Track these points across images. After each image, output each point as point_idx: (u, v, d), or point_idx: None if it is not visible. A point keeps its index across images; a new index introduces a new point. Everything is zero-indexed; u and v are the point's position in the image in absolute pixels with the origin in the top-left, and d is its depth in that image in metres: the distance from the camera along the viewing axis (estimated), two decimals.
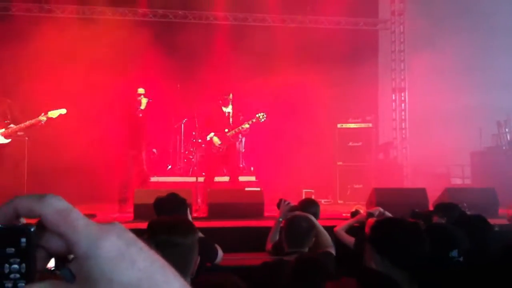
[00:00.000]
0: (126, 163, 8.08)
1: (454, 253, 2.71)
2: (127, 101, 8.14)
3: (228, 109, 8.15)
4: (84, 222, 0.52)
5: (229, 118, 8.13)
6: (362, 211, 5.12)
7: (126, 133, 8.06)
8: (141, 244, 0.52)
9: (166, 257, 0.53)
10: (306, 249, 3.42)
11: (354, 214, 5.00)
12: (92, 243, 0.50)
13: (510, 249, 2.40)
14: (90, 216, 6.35)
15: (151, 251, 0.52)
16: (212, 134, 8.00)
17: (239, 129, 8.03)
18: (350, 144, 9.91)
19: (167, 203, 3.60)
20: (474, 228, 3.17)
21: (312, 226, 3.58)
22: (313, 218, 3.79)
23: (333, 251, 3.70)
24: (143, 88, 8.04)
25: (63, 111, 7.19)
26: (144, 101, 7.90)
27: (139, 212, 6.11)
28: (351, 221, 4.76)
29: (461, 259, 2.72)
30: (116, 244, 0.50)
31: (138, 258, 0.50)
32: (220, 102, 8.12)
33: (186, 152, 9.60)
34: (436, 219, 4.03)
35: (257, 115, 7.95)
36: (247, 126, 7.99)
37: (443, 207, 4.29)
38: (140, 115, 7.92)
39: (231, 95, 8.15)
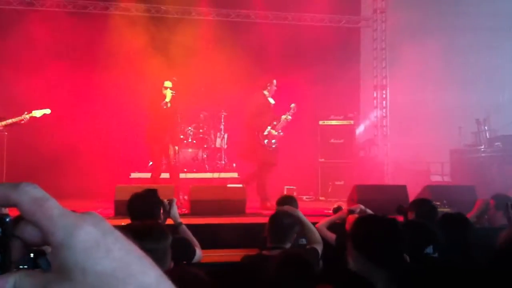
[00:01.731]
0: (154, 157, 8.00)
1: (429, 249, 2.74)
2: (153, 94, 7.99)
3: (272, 100, 8.05)
4: (60, 211, 0.51)
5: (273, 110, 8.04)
6: (344, 207, 5.15)
7: (152, 127, 7.93)
8: (117, 233, 0.51)
9: None
10: (288, 245, 3.43)
11: (336, 210, 5.02)
12: (67, 232, 0.49)
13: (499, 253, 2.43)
14: None
15: (127, 241, 0.51)
16: (269, 128, 7.91)
17: (285, 120, 7.96)
18: (332, 141, 9.96)
19: (142, 200, 3.59)
20: (454, 226, 3.20)
21: (296, 223, 3.58)
22: (301, 214, 3.80)
23: (319, 247, 3.71)
24: (170, 81, 7.89)
25: (47, 111, 7.10)
26: (169, 93, 7.75)
27: (120, 208, 6.06)
28: (332, 217, 4.78)
29: (436, 255, 2.74)
30: (92, 233, 0.49)
31: (113, 248, 0.49)
32: (267, 93, 7.98)
33: None
34: (410, 215, 4.09)
35: (291, 106, 7.95)
36: (289, 117, 7.95)
37: (413, 203, 4.35)
38: (166, 106, 7.76)
39: (275, 82, 8.01)
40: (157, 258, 2.10)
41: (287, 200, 4.68)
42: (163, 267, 2.10)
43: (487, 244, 3.16)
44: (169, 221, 3.90)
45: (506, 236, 2.91)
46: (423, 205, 4.23)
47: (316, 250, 3.66)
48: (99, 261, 0.48)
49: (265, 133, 7.88)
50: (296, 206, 4.46)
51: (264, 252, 3.38)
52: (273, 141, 7.95)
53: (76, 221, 0.50)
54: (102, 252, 0.48)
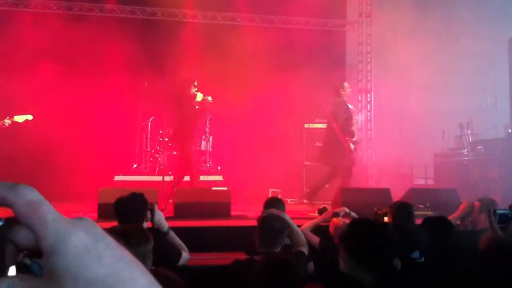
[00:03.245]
0: (182, 159, 7.83)
1: (416, 254, 2.76)
2: (181, 93, 7.82)
3: (350, 105, 8.12)
4: (54, 216, 0.51)
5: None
6: (330, 208, 5.17)
7: (179, 126, 7.77)
8: (109, 240, 0.51)
9: None
10: (278, 249, 3.41)
11: (322, 211, 5.04)
12: (59, 237, 0.49)
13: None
14: None
15: (119, 248, 0.51)
16: (356, 135, 8.02)
17: (355, 122, 8.09)
18: (317, 144, 9.98)
19: (128, 203, 3.57)
20: (436, 229, 3.23)
21: (285, 226, 3.57)
22: (287, 217, 3.78)
23: (305, 250, 3.70)
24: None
25: (29, 116, 7.05)
26: (200, 94, 7.66)
27: (103, 211, 6.02)
28: (317, 220, 4.79)
29: (422, 259, 2.76)
30: (83, 239, 0.49)
31: (105, 254, 0.49)
32: (344, 97, 8.04)
33: (153, 151, 9.49)
34: (388, 218, 4.14)
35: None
36: (357, 118, 8.08)
37: (392, 206, 4.39)
38: (196, 107, 7.68)
39: (346, 84, 8.10)
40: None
41: (275, 202, 4.66)
42: None
43: (469, 247, 3.19)
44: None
45: (486, 240, 2.94)
46: (400, 209, 4.28)
47: (303, 253, 3.66)
48: (90, 268, 0.48)
49: (354, 139, 8.00)
50: (283, 209, 4.46)
51: (255, 257, 3.35)
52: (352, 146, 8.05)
53: (68, 227, 0.50)
54: (93, 259, 0.48)
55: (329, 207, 6.03)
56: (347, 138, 7.91)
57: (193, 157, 7.79)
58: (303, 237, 3.81)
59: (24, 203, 0.51)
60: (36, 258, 0.52)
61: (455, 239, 3.25)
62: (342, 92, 8.06)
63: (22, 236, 0.51)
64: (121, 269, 0.49)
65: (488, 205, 4.23)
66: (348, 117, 8.00)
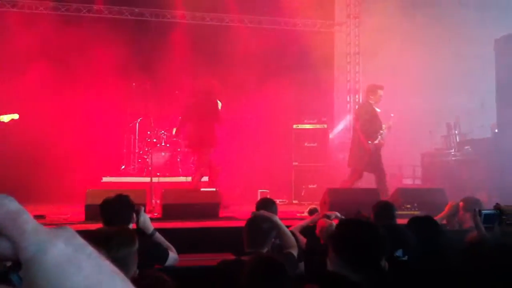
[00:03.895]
0: (203, 161, 7.91)
1: (399, 252, 2.77)
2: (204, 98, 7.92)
3: (378, 109, 8.15)
4: (33, 226, 0.50)
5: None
6: (319, 209, 5.18)
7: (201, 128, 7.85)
8: (90, 250, 0.51)
9: None
10: (265, 250, 3.41)
11: (312, 211, 5.05)
12: (39, 248, 0.49)
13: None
14: (39, 217, 6.16)
15: (100, 258, 0.51)
16: (380, 137, 8.04)
17: (386, 129, 8.08)
18: (306, 144, 10.01)
19: (113, 205, 3.55)
20: (423, 229, 3.25)
21: (273, 227, 3.57)
22: (276, 218, 3.78)
23: (295, 252, 3.71)
24: None
25: (15, 116, 6.99)
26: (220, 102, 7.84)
27: (91, 212, 5.98)
28: (306, 221, 4.81)
29: (405, 258, 2.77)
30: (64, 250, 0.49)
31: (85, 265, 0.49)
32: (372, 102, 8.08)
33: (141, 152, 9.44)
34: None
35: (391, 115, 8.21)
36: (391, 126, 8.13)
37: (374, 206, 4.44)
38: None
39: (380, 91, 8.12)
40: (120, 265, 2.09)
41: (267, 203, 4.65)
42: (126, 275, 2.08)
43: (455, 246, 3.22)
44: None
45: (471, 239, 2.97)
46: (382, 208, 4.32)
47: (292, 254, 3.66)
48: (70, 279, 0.47)
49: (376, 141, 8.00)
50: (275, 209, 4.46)
51: (242, 257, 3.35)
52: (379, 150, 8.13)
53: (49, 237, 0.49)
54: (73, 269, 0.48)
55: (318, 207, 6.06)
56: (369, 141, 7.96)
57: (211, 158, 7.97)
58: (293, 239, 3.81)
59: (3, 213, 0.50)
60: (16, 269, 0.51)
61: (441, 238, 3.27)
62: (371, 97, 8.11)
63: (2, 246, 0.51)
64: (102, 280, 0.49)
65: (472, 205, 4.28)
66: (372, 120, 8.05)
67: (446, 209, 5.13)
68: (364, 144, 8.01)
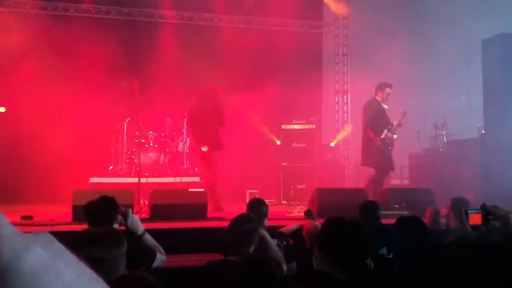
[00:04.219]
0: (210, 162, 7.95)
1: (383, 251, 2.78)
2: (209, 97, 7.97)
3: (385, 105, 8.15)
4: (9, 231, 0.49)
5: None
6: (313, 211, 5.18)
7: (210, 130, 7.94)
8: (68, 255, 0.49)
9: None
10: (252, 248, 3.43)
11: (307, 213, 5.03)
12: (15, 254, 0.47)
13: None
14: (27, 218, 6.11)
15: (79, 263, 0.50)
16: (385, 131, 8.01)
17: (398, 125, 8.08)
18: (294, 145, 10.02)
19: (97, 206, 3.54)
20: (409, 228, 3.27)
21: (255, 228, 3.57)
22: (266, 234, 3.81)
23: (284, 267, 3.70)
24: None
25: (1, 109, 6.90)
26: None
27: (78, 213, 5.92)
28: (297, 224, 4.83)
29: (390, 256, 2.79)
30: (41, 255, 0.47)
31: (64, 271, 0.47)
32: (379, 99, 8.09)
33: (129, 153, 9.38)
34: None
35: (401, 111, 8.16)
36: (401, 122, 8.11)
37: (360, 205, 4.50)
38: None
39: (387, 89, 8.12)
40: (107, 267, 2.07)
41: (258, 204, 4.64)
42: (114, 275, 2.07)
43: (441, 245, 3.24)
44: None
45: (455, 238, 2.99)
46: (366, 208, 4.36)
47: (279, 264, 3.66)
48: (48, 286, 0.46)
49: (382, 136, 8.01)
50: (265, 210, 4.46)
51: (229, 257, 3.35)
52: (389, 146, 8.10)
53: (25, 243, 0.48)
54: (51, 276, 0.46)
55: (305, 208, 6.07)
56: (377, 137, 8.03)
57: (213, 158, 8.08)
58: (280, 254, 3.83)
59: None
60: None
61: (427, 238, 3.30)
62: (379, 94, 8.15)
63: None
64: (81, 287, 0.48)
65: (460, 205, 4.31)
66: (378, 115, 8.09)
67: (426, 216, 5.17)
68: (373, 140, 8.08)
